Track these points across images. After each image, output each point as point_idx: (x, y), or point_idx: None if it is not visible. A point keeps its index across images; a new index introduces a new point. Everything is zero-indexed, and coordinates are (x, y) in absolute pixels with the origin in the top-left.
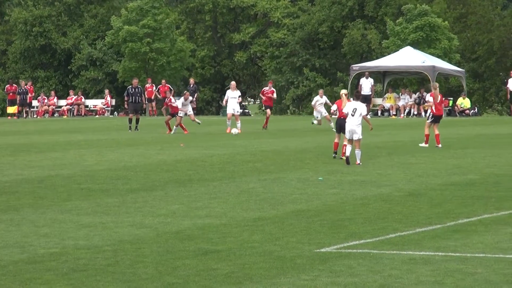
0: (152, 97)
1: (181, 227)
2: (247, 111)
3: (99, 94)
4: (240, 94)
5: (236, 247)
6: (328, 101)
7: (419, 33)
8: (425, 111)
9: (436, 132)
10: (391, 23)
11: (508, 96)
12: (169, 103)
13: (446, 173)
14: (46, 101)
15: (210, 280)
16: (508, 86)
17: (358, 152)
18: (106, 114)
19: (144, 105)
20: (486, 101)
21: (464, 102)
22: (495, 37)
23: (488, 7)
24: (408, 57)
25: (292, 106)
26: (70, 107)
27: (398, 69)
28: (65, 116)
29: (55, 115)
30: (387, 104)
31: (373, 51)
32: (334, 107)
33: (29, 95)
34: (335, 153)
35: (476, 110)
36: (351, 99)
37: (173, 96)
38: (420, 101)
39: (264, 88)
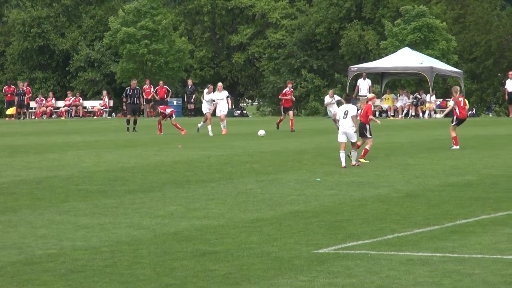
0: (150, 97)
1: (178, 228)
2: (245, 112)
3: (97, 95)
4: (227, 94)
5: (234, 248)
6: (341, 99)
7: (417, 34)
8: (446, 115)
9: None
10: (389, 24)
11: (506, 97)
12: (162, 110)
13: (444, 174)
14: (44, 102)
15: (208, 281)
16: (506, 87)
17: (354, 154)
18: (104, 115)
19: (142, 106)
20: (484, 102)
21: None
22: (493, 38)
23: (487, 8)
24: (406, 58)
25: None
26: (68, 108)
27: (396, 70)
28: (63, 117)
29: (53, 116)
30: (385, 105)
31: (371, 52)
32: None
33: (27, 96)
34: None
35: (474, 111)
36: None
37: (170, 97)
38: (418, 102)
39: (284, 90)
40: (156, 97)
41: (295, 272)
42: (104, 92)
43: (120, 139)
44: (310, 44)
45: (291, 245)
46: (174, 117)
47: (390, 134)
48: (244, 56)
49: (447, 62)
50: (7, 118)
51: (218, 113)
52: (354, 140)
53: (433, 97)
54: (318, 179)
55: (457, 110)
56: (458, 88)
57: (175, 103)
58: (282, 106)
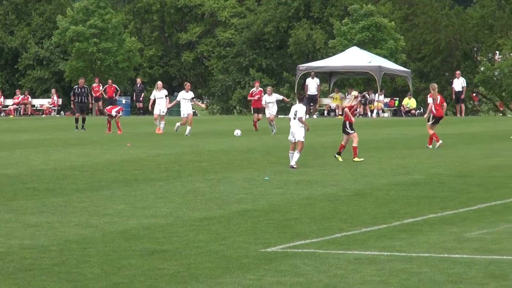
0: (98, 95)
1: (127, 227)
2: (193, 110)
3: (45, 94)
4: (166, 93)
5: (182, 247)
6: (280, 98)
7: (365, 33)
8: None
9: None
10: (338, 23)
11: (453, 96)
12: (108, 112)
13: (392, 173)
14: None
15: (156, 279)
16: (453, 86)
17: (296, 155)
18: (52, 114)
19: (91, 104)
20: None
21: (410, 102)
22: (443, 37)
23: (437, 7)
24: (354, 57)
25: (239, 106)
26: (17, 107)
27: (345, 69)
28: (12, 116)
29: (1, 114)
30: (333, 104)
31: (319, 51)
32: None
33: None
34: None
35: (421, 110)
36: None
37: (119, 95)
38: (366, 101)
39: (252, 90)
40: (105, 95)
41: (243, 270)
42: (53, 91)
43: (68, 138)
44: (259, 43)
45: (239, 243)
46: (120, 114)
47: (338, 133)
48: (193, 55)
49: (395, 61)
50: None
51: (157, 111)
52: (298, 139)
53: (381, 96)
54: (266, 178)
55: (433, 108)
56: (436, 85)
57: (123, 101)
58: (252, 107)
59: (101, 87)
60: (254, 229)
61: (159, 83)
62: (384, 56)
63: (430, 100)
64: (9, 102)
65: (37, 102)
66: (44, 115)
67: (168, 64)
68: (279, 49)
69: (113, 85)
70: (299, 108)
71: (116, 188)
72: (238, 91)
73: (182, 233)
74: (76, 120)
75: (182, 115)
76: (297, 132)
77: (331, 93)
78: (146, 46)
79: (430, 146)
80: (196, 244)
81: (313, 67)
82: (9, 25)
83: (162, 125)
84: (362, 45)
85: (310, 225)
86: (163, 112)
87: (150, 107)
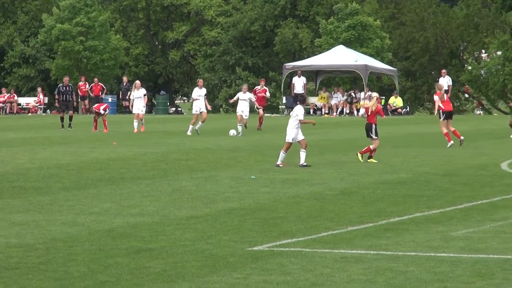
0: (84, 94)
1: (113, 225)
2: (180, 109)
3: (31, 92)
4: (145, 92)
5: (168, 246)
6: (252, 98)
7: (351, 32)
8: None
9: (452, 128)
10: (324, 22)
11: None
12: (96, 110)
13: (378, 172)
14: None
15: (143, 278)
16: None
17: (302, 154)
18: (39, 112)
19: (76, 103)
20: (418, 99)
21: (396, 101)
22: (430, 35)
23: (423, 5)
24: (340, 56)
25: (225, 105)
26: (3, 105)
27: (331, 68)
28: None
29: None
30: (319, 103)
31: (305, 50)
32: (362, 111)
33: None
34: (369, 157)
35: (408, 109)
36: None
37: (105, 94)
38: (352, 100)
39: (256, 87)
40: (91, 94)
41: (230, 269)
42: (39, 89)
43: (54, 136)
44: (245, 41)
45: (225, 242)
46: (107, 112)
47: (325, 131)
48: (180, 53)
49: (382, 60)
50: None
51: (136, 110)
52: (298, 139)
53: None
54: (252, 177)
55: (440, 104)
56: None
57: (110, 100)
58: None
59: (87, 86)
60: (241, 227)
61: (137, 82)
62: (370, 55)
63: (436, 97)
64: None
65: (23, 100)
66: (30, 114)
67: (154, 63)
68: (265, 47)
69: (99, 83)
70: (296, 109)
71: (102, 187)
72: (224, 89)
73: (168, 231)
74: (62, 119)
75: (194, 112)
76: (289, 132)
77: (318, 91)
78: (132, 45)
79: (452, 142)
80: (183, 243)
81: (300, 66)
82: None
83: (136, 124)
84: (348, 44)
85: (296, 223)
86: (141, 111)
87: (130, 107)
